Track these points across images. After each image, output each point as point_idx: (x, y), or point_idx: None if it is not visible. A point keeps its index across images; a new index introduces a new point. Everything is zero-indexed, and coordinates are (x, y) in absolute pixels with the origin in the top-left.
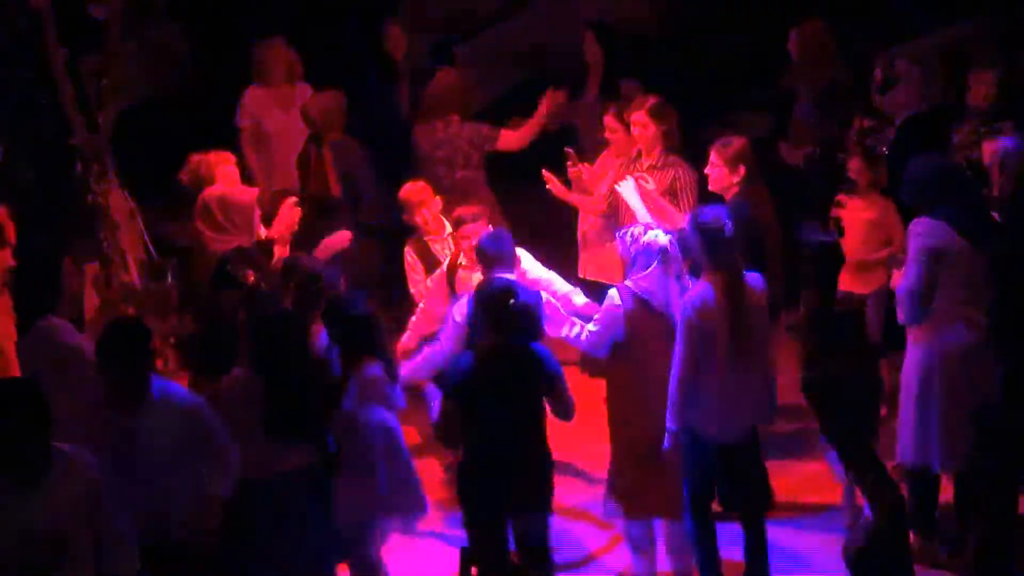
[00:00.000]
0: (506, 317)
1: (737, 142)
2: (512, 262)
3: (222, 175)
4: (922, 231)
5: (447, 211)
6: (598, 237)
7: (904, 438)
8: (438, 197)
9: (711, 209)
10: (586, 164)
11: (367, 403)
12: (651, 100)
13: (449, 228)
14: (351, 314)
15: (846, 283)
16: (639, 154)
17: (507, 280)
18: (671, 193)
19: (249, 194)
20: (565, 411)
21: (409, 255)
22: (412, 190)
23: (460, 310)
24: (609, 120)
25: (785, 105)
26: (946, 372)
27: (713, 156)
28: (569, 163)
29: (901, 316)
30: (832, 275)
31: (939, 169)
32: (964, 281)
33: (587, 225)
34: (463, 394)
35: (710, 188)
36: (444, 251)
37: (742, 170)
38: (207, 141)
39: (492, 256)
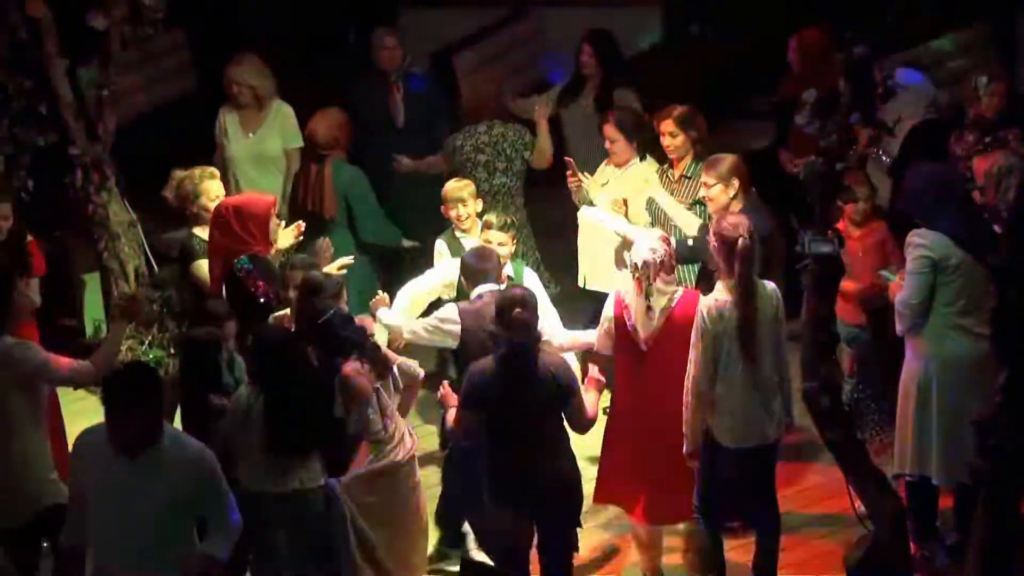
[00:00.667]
0: (511, 325)
1: (727, 157)
2: (496, 277)
3: (206, 190)
4: (920, 242)
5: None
6: (598, 247)
7: (903, 449)
8: (479, 199)
9: (731, 217)
10: (586, 173)
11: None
12: (679, 109)
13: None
14: (322, 322)
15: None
16: (670, 164)
17: (520, 290)
18: (701, 204)
19: (266, 203)
20: (579, 425)
21: (439, 246)
22: (455, 187)
23: (451, 318)
24: (608, 130)
25: (785, 114)
26: (944, 383)
27: (705, 176)
28: (569, 173)
29: (899, 327)
30: (833, 285)
31: (937, 180)
32: (962, 292)
33: (586, 235)
34: (478, 401)
35: (710, 210)
36: None
37: (736, 183)
38: (208, 150)
39: (474, 271)
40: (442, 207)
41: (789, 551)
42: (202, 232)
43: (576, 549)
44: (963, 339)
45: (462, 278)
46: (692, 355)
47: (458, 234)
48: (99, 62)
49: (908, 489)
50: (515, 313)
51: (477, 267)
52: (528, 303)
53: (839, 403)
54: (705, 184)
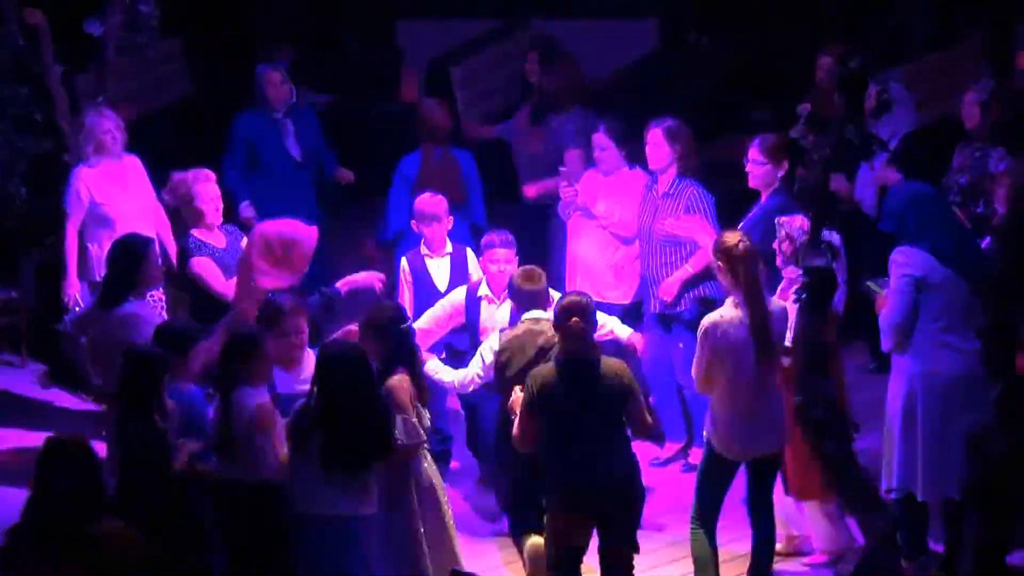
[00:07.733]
0: (572, 332)
1: (778, 137)
2: (543, 302)
3: (201, 192)
4: (903, 260)
5: None
6: (591, 257)
7: (889, 465)
8: (450, 217)
9: (730, 232)
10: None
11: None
12: (668, 121)
13: (449, 248)
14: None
15: None
16: (654, 177)
17: (580, 297)
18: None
19: (311, 232)
20: (640, 427)
21: (404, 268)
22: (430, 202)
23: (491, 347)
24: (599, 138)
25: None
26: (929, 400)
27: (754, 153)
28: (563, 184)
29: (884, 344)
30: (826, 299)
31: (917, 197)
32: (946, 308)
33: (578, 244)
34: (540, 407)
35: (751, 184)
36: (439, 270)
37: (786, 165)
38: (205, 157)
39: (521, 293)
40: (412, 222)
41: (780, 563)
42: (199, 233)
43: (637, 551)
44: (948, 355)
45: (511, 300)
46: (695, 365)
47: (424, 252)
48: (95, 69)
49: (897, 504)
50: (571, 323)
51: (524, 290)
52: (585, 312)
53: (833, 416)
54: (753, 160)
